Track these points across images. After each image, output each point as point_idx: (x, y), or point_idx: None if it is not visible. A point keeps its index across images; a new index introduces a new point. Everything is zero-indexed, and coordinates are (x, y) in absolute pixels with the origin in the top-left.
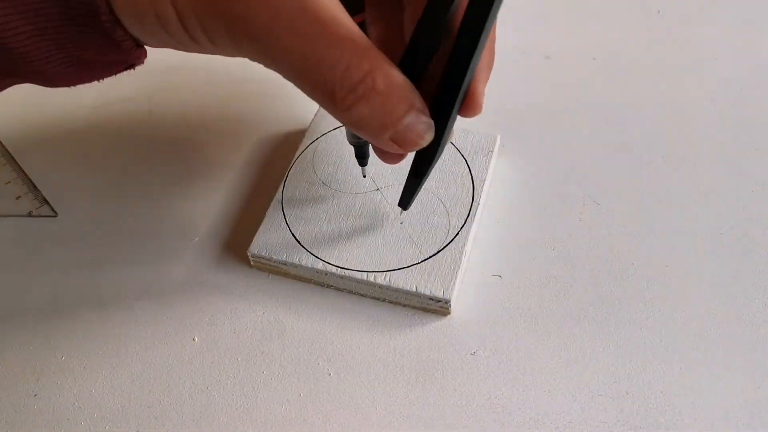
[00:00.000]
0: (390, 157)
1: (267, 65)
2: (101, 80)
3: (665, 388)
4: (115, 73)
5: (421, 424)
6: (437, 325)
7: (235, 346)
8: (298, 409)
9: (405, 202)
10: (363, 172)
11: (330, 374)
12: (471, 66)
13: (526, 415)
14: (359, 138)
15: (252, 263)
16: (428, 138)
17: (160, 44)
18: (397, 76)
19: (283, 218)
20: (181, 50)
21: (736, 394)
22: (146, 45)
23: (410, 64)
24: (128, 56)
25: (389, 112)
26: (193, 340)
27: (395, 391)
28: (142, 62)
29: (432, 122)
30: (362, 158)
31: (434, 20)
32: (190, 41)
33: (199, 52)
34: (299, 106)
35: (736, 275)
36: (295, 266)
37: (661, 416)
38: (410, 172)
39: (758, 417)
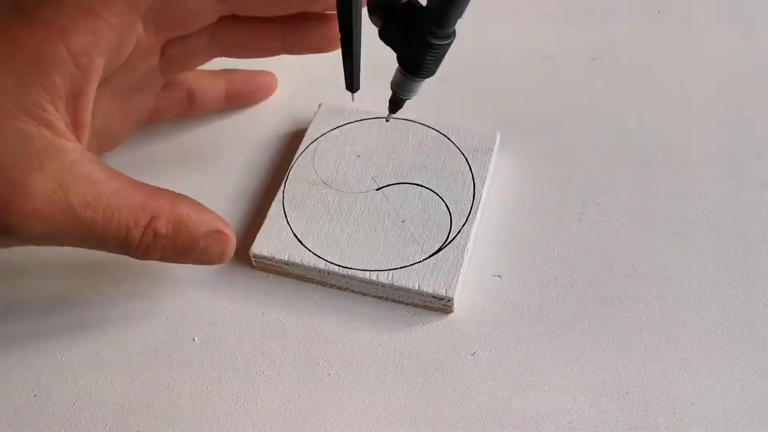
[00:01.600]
0: None
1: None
2: None
3: (665, 388)
4: None
5: (421, 424)
6: (437, 325)
7: (235, 346)
8: (298, 409)
9: (347, 83)
10: (388, 117)
11: (330, 374)
12: None
13: (526, 415)
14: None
15: (254, 263)
16: (229, 252)
17: None
18: (181, 213)
19: (285, 218)
20: None
21: (736, 394)
22: None
23: None
24: None
25: (179, 249)
26: (193, 340)
27: (395, 391)
28: None
29: (231, 237)
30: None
31: None
32: None
33: None
34: (299, 107)
35: (736, 275)
36: (297, 266)
37: (661, 416)
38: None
39: (758, 417)
